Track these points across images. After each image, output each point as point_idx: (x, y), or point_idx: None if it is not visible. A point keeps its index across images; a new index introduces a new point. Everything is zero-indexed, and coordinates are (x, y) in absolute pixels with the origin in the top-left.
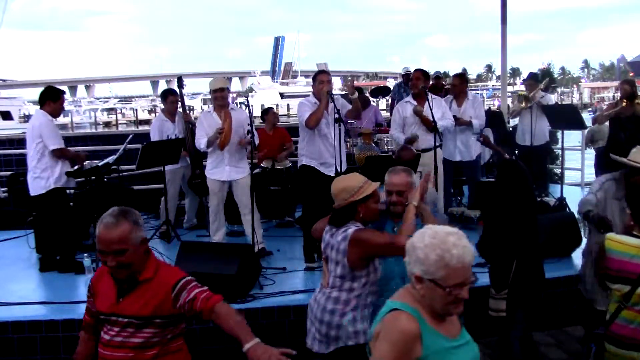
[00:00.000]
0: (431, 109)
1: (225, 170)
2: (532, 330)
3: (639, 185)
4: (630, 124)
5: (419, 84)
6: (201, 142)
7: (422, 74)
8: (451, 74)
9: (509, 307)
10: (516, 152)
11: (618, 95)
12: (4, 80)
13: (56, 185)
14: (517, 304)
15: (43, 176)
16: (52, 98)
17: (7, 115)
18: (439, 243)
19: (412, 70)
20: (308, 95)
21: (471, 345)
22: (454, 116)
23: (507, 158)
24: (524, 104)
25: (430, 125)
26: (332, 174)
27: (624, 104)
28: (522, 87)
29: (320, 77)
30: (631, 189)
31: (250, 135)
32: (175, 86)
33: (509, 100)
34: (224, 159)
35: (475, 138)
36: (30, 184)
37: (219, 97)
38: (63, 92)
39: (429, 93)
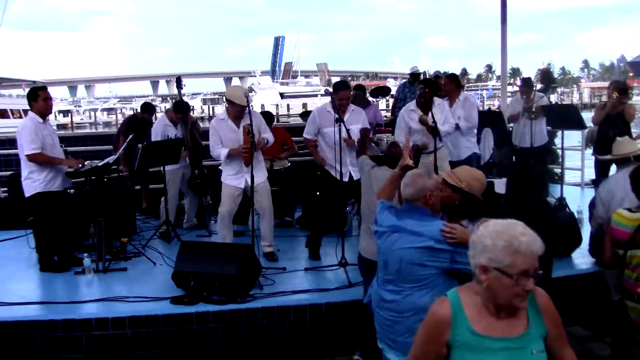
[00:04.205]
0: (432, 114)
1: (246, 178)
2: None
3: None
4: (619, 121)
5: (422, 100)
6: (220, 152)
7: (427, 90)
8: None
9: None
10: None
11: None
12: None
13: (44, 189)
14: None
15: (29, 179)
16: (32, 98)
17: None
18: (506, 230)
19: (419, 69)
20: (308, 96)
21: (524, 352)
22: None
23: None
24: (534, 116)
25: (435, 131)
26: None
27: (615, 97)
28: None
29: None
30: (633, 174)
31: (259, 135)
32: (174, 86)
33: (509, 100)
34: (243, 167)
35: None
36: (22, 185)
37: (241, 112)
38: (42, 88)
39: (435, 99)
